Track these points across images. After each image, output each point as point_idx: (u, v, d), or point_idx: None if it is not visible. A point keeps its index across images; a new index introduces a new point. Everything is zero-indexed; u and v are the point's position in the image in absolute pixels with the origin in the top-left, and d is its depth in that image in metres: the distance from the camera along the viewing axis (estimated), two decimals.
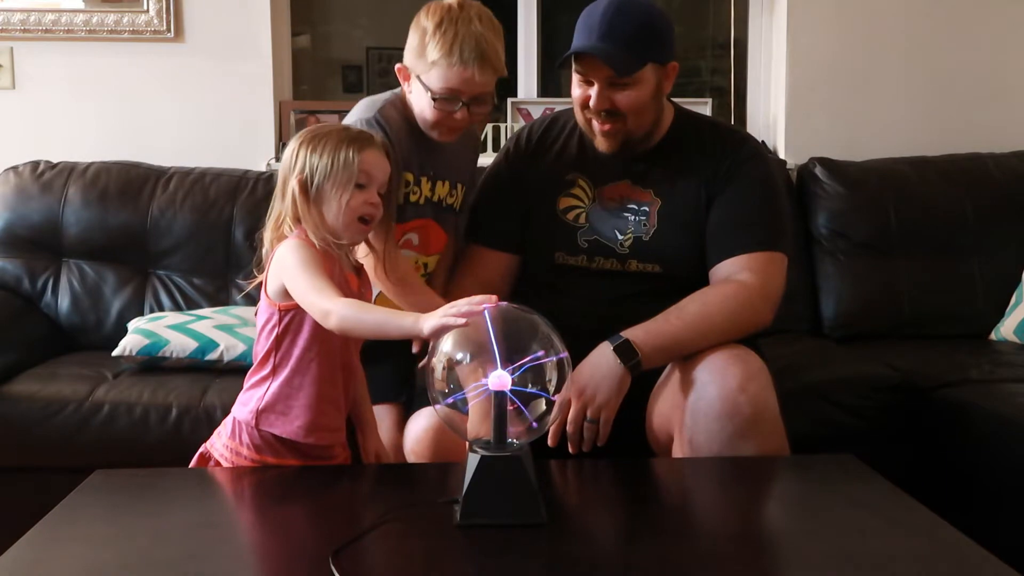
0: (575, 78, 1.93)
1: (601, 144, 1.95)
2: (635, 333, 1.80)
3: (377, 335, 1.60)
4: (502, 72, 1.85)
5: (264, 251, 1.73)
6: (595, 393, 1.76)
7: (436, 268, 2.01)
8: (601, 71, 1.86)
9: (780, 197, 2.03)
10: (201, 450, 1.75)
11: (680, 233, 1.94)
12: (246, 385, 1.73)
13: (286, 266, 1.63)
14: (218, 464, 1.71)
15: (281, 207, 1.69)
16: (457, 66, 1.77)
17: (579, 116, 1.97)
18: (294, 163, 1.68)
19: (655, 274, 1.95)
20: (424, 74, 1.81)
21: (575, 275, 1.98)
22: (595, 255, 1.97)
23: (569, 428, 1.76)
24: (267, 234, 1.72)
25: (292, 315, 1.66)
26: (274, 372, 1.69)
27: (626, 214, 1.97)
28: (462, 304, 1.43)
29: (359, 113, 1.88)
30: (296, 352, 1.67)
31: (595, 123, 1.93)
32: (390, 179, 1.71)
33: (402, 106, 1.90)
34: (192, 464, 1.75)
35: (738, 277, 1.89)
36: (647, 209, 1.95)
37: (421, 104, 1.84)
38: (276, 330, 1.68)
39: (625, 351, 1.77)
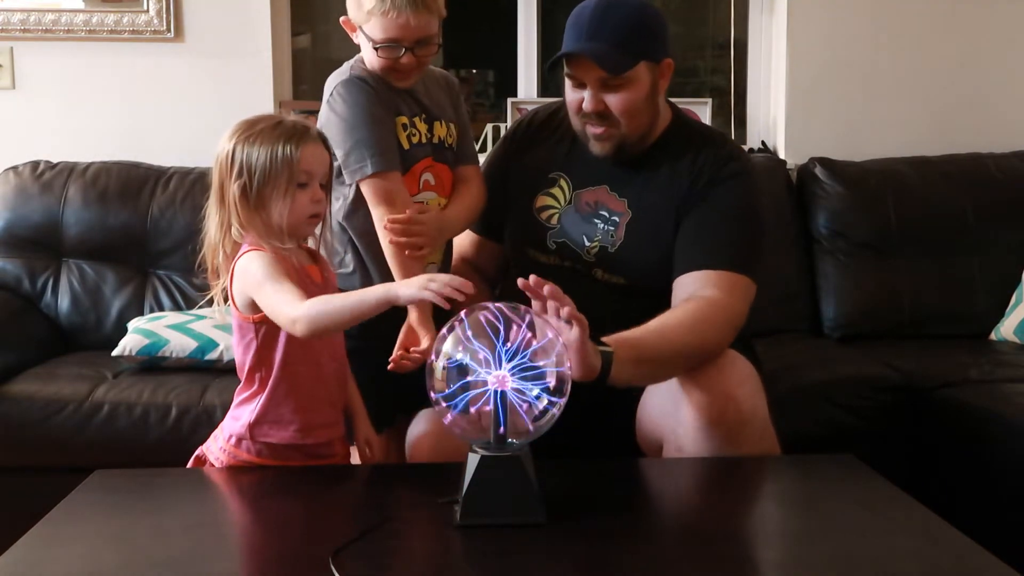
0: (568, 83, 1.87)
1: (596, 148, 1.89)
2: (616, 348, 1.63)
3: (355, 319, 1.56)
4: (440, 13, 1.81)
5: (217, 260, 1.66)
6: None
7: (451, 205, 1.92)
8: (592, 72, 1.81)
9: (756, 223, 1.91)
10: (197, 453, 1.74)
11: (646, 248, 1.89)
12: (236, 400, 1.71)
13: (249, 283, 1.60)
14: (213, 467, 1.71)
15: (222, 213, 1.64)
16: (392, 13, 1.74)
17: (574, 121, 1.91)
18: (230, 167, 1.62)
19: (620, 286, 1.91)
20: (364, 25, 1.79)
21: (547, 273, 1.93)
22: (564, 259, 1.94)
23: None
24: (212, 238, 1.66)
25: (267, 325, 1.63)
26: (261, 385, 1.67)
27: (596, 220, 1.92)
28: (442, 280, 1.43)
29: (334, 81, 1.85)
30: (277, 359, 1.65)
31: (589, 128, 1.87)
32: (330, 168, 1.70)
33: (365, 66, 1.88)
34: (188, 467, 1.74)
35: (702, 292, 1.79)
36: (616, 220, 1.91)
37: (368, 54, 1.83)
38: (255, 342, 1.65)
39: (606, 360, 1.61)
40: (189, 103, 3.08)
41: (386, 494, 1.61)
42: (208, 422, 2.22)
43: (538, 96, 3.31)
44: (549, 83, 3.37)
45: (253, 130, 1.63)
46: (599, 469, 1.70)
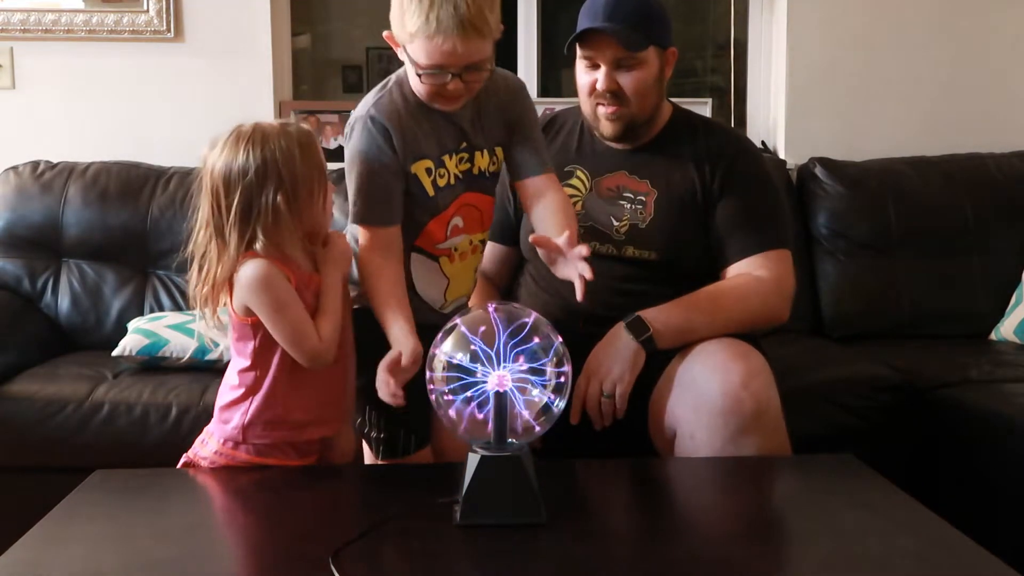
0: (581, 65, 1.97)
1: (605, 128, 1.98)
2: (648, 313, 1.85)
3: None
4: (493, 35, 1.61)
5: (217, 272, 1.61)
6: (609, 369, 1.81)
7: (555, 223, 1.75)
8: (608, 52, 1.91)
9: (778, 192, 2.08)
10: (184, 460, 1.72)
11: (677, 222, 1.97)
12: (224, 402, 1.69)
13: (257, 301, 1.59)
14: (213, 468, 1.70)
15: (244, 227, 1.58)
16: (436, 39, 1.55)
17: (585, 104, 2.00)
18: (263, 178, 1.56)
19: (652, 261, 1.97)
20: (407, 45, 1.61)
21: None
22: (591, 241, 1.98)
23: (588, 406, 1.81)
24: (232, 255, 1.60)
25: (264, 327, 1.63)
26: (256, 385, 1.65)
27: (622, 202, 1.99)
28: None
29: (357, 110, 1.72)
30: (275, 360, 1.64)
31: (600, 108, 1.97)
32: None
33: (408, 83, 1.70)
34: None
35: (753, 274, 1.93)
36: (643, 199, 1.98)
37: (412, 77, 1.66)
38: (252, 343, 1.64)
39: (637, 327, 1.82)
40: (189, 103, 3.08)
41: (386, 494, 1.61)
42: (208, 422, 2.21)
43: (538, 96, 3.31)
44: (549, 83, 3.37)
45: (269, 139, 1.59)
46: (599, 469, 1.70)
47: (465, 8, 1.54)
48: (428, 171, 1.70)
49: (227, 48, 3.09)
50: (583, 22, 1.93)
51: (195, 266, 1.64)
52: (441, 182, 1.72)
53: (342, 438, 1.76)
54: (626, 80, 1.93)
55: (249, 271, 1.60)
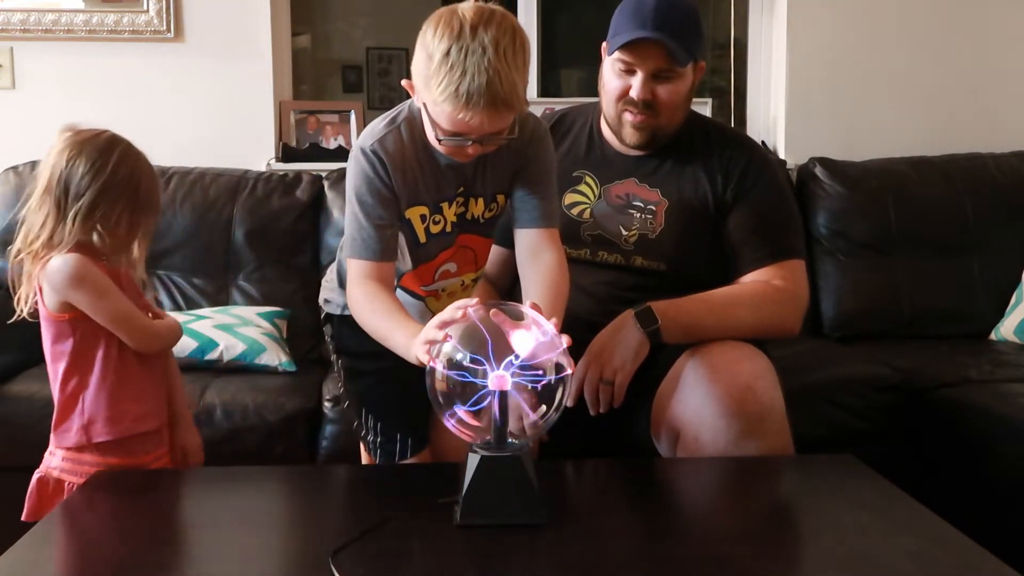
0: (615, 67, 1.90)
1: (629, 136, 1.93)
2: (660, 305, 1.82)
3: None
4: (520, 109, 1.53)
5: (25, 270, 1.69)
6: (611, 356, 1.79)
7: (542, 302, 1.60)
8: (650, 61, 1.85)
9: (793, 202, 2.06)
10: (37, 477, 1.74)
11: (687, 233, 1.94)
12: (56, 415, 1.72)
13: (79, 292, 1.65)
14: (60, 484, 1.71)
15: (52, 223, 1.67)
16: (463, 112, 1.47)
17: (610, 108, 1.94)
18: (78, 179, 1.69)
19: (660, 272, 1.94)
20: (430, 106, 1.52)
21: (579, 267, 1.96)
22: (599, 249, 1.96)
23: (586, 390, 1.79)
24: (46, 239, 1.68)
25: (85, 323, 1.67)
26: (81, 385, 1.69)
27: (631, 211, 1.96)
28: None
29: (360, 143, 1.63)
30: (99, 354, 1.69)
31: (628, 115, 1.91)
32: None
33: (419, 123, 1.61)
34: (31, 494, 1.73)
35: (772, 283, 1.91)
36: (653, 208, 1.95)
37: (429, 133, 1.58)
38: (71, 341, 1.68)
39: (646, 318, 1.80)
40: (189, 103, 3.09)
41: (386, 494, 1.61)
42: (208, 422, 2.22)
43: (538, 96, 3.31)
44: (549, 83, 3.37)
45: (94, 145, 1.78)
46: (599, 469, 1.70)
47: (498, 84, 1.45)
48: (423, 217, 1.65)
49: (227, 48, 3.09)
50: (627, 26, 1.85)
51: (23, 230, 1.70)
52: (435, 229, 1.67)
53: (187, 437, 1.84)
54: (662, 91, 1.87)
55: (60, 265, 1.64)
